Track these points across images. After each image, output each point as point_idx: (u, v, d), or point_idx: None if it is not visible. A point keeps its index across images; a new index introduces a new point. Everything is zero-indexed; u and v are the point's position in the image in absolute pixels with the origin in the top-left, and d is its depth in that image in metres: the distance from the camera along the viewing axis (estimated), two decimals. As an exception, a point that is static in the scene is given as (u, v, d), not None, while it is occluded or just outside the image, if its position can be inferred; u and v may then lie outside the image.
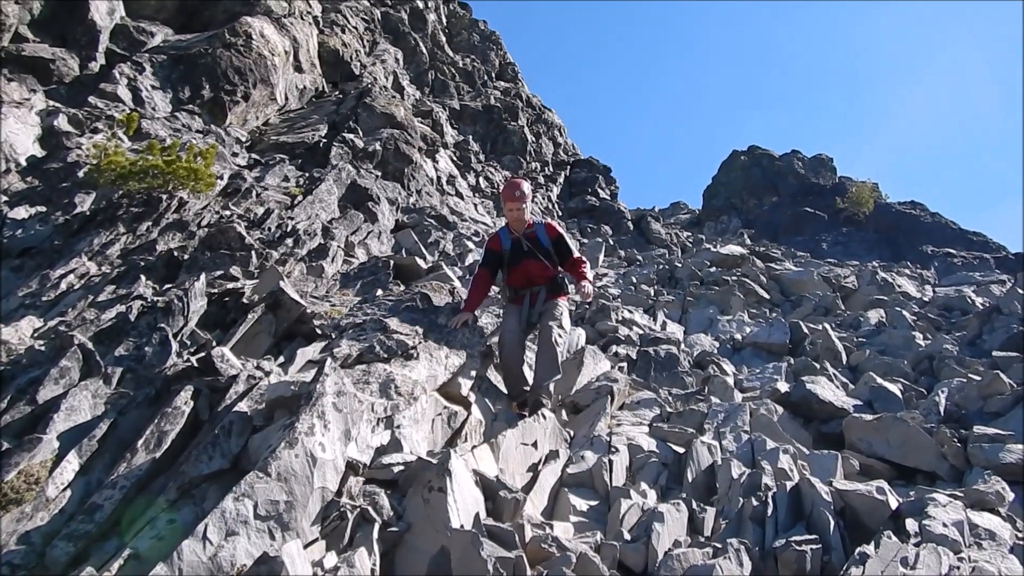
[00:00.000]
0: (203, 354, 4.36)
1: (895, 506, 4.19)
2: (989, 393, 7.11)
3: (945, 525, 4.01)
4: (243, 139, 14.31)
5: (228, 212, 9.23)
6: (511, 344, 5.72)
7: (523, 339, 5.90)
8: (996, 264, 24.15)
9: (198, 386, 3.98)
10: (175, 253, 7.44)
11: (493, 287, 6.30)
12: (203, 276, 5.67)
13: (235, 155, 13.05)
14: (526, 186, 6.07)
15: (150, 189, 8.72)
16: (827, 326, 10.79)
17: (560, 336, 5.76)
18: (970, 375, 8.00)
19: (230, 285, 6.11)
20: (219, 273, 6.84)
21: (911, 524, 3.99)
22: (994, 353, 8.99)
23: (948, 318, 12.82)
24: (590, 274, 6.21)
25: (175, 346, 4.59)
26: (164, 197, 8.74)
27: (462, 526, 3.23)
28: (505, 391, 5.75)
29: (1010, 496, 5.18)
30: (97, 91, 11.74)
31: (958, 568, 2.78)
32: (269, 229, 9.09)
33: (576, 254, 6.17)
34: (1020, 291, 12.74)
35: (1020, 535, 4.45)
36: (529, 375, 5.76)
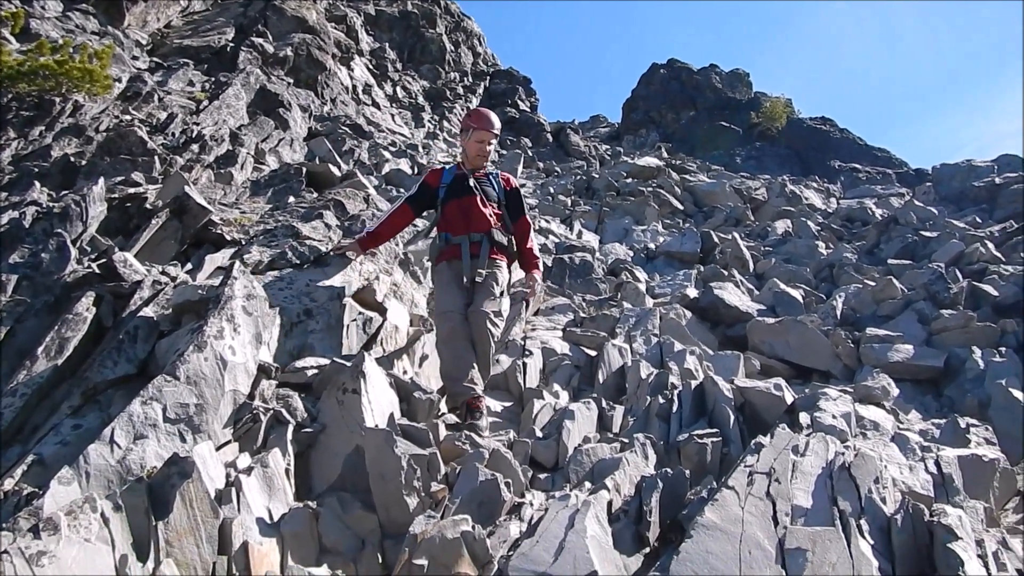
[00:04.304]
0: (104, 260, 4.21)
1: (791, 401, 4.45)
2: (882, 298, 7.52)
3: (834, 417, 4.29)
4: (143, 42, 13.53)
5: (128, 117, 8.77)
6: (457, 332, 4.44)
7: (466, 320, 4.49)
8: (898, 178, 25.09)
9: (100, 292, 3.84)
10: (72, 159, 7.06)
11: (405, 231, 5.42)
12: (102, 181, 5.41)
13: (135, 59, 12.35)
14: (498, 122, 5.10)
15: (41, 91, 8.23)
16: (736, 236, 11.13)
17: (495, 327, 4.55)
18: (866, 281, 8.41)
19: (132, 190, 5.85)
20: (120, 179, 6.53)
21: (804, 417, 4.25)
22: (889, 261, 9.47)
23: (850, 228, 13.37)
24: (540, 263, 5.16)
25: (74, 252, 4.38)
26: (58, 100, 8.25)
27: (376, 426, 3.27)
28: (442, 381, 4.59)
29: (895, 391, 5.57)
30: (-24, -14, 10.80)
31: (843, 454, 2.98)
32: (173, 134, 8.71)
33: (529, 219, 5.10)
34: (917, 203, 13.35)
35: (901, 426, 4.80)
36: (474, 370, 4.42)
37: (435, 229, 4.97)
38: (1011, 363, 5.93)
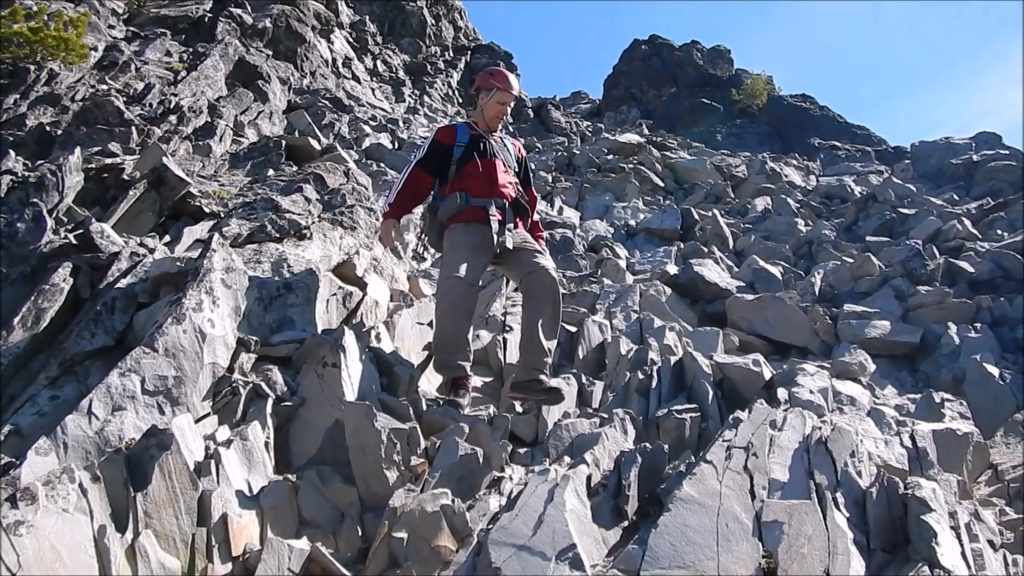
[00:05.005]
0: (81, 231, 4.15)
1: (769, 377, 4.48)
2: (860, 274, 7.59)
3: (812, 392, 4.34)
4: (119, 11, 13.24)
5: (105, 86, 8.60)
6: (465, 299, 4.09)
7: (473, 291, 4.17)
8: (876, 156, 25.21)
9: (77, 263, 3.79)
10: (47, 128, 6.93)
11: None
12: (78, 151, 5.31)
13: (111, 28, 12.08)
14: (518, 84, 4.78)
15: (15, 59, 8.04)
16: (716, 213, 11.16)
17: (561, 285, 4.22)
18: (844, 258, 8.49)
19: (109, 161, 5.75)
20: (96, 149, 6.42)
21: (782, 392, 4.30)
22: (867, 238, 9.55)
23: (829, 205, 13.44)
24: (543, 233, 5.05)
25: (50, 222, 4.31)
26: (32, 68, 8.07)
27: (356, 400, 3.26)
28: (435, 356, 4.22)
29: (871, 367, 5.63)
30: (-57, -52, 10.50)
31: (820, 429, 3.01)
32: (150, 105, 8.56)
33: (535, 191, 4.87)
34: (895, 180, 13.44)
35: (877, 401, 4.86)
36: (468, 345, 4.17)
37: (452, 186, 4.35)
38: (986, 339, 6.02)
